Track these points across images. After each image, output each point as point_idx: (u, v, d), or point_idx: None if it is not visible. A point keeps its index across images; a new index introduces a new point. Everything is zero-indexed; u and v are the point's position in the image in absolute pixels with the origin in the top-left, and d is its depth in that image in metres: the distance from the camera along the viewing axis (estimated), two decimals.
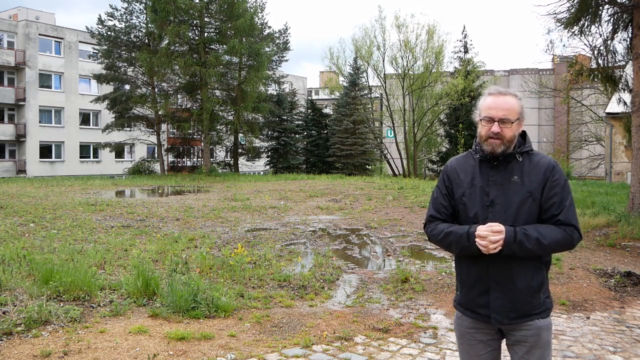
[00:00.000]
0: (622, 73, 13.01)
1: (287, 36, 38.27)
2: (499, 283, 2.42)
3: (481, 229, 2.35)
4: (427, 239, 2.64)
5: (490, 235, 2.32)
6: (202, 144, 35.02)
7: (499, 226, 2.33)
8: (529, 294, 2.41)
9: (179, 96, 36.00)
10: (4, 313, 4.91)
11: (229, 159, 41.37)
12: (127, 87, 34.34)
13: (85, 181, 26.17)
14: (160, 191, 21.72)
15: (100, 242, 8.99)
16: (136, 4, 33.24)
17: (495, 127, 2.41)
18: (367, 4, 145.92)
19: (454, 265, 7.62)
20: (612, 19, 11.67)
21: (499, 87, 2.52)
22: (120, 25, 33.19)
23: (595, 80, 13.67)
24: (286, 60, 39.82)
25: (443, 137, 41.29)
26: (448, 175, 2.58)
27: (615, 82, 12.73)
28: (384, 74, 40.24)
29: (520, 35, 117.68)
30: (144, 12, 32.78)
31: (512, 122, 2.42)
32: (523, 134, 2.53)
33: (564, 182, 2.44)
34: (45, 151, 39.45)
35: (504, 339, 2.57)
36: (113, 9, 33.03)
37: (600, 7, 11.29)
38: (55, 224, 10.93)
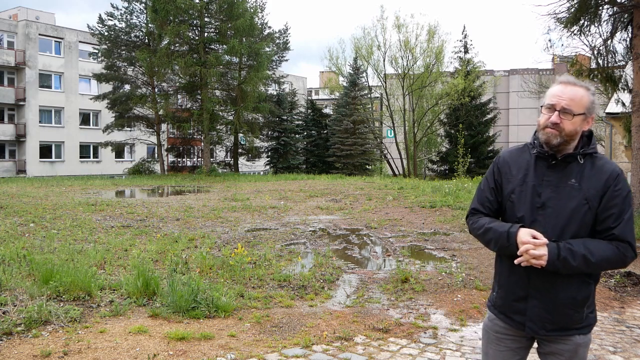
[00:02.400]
0: (621, 73, 13.02)
1: (287, 36, 38.31)
2: (540, 292, 2.24)
3: (522, 235, 2.16)
4: (470, 232, 2.50)
5: (531, 248, 2.13)
6: (202, 144, 35.03)
7: (541, 238, 2.14)
8: (570, 308, 2.23)
9: (179, 96, 36.05)
10: (4, 313, 4.91)
11: (229, 159, 41.40)
12: (127, 87, 34.36)
13: (85, 181, 26.18)
14: (160, 191, 21.73)
15: (100, 242, 8.99)
16: (136, 3, 33.26)
17: (555, 117, 2.19)
18: (365, 5, 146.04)
19: (454, 265, 7.65)
20: (611, 19, 11.68)
21: (571, 77, 2.29)
22: (120, 25, 33.22)
23: (595, 80, 13.67)
24: (286, 60, 39.94)
25: (443, 137, 41.28)
26: (499, 169, 2.37)
27: (615, 82, 12.74)
28: (384, 73, 40.24)
29: (520, 35, 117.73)
30: (144, 11, 32.80)
31: (575, 115, 2.18)
32: (589, 134, 2.29)
33: (627, 193, 2.20)
34: (45, 151, 39.46)
35: (534, 344, 2.44)
36: (114, 8, 33.07)
37: (600, 7, 11.30)
38: (55, 224, 10.93)
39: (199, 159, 42.79)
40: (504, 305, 2.36)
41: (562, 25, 11.43)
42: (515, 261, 2.18)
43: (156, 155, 37.12)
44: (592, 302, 2.30)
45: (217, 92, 33.79)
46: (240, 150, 38.24)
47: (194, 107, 33.81)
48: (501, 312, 2.38)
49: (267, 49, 33.40)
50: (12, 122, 38.62)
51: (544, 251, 2.12)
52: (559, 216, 2.20)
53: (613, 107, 20.03)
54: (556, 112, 2.20)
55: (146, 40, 33.21)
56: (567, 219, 2.19)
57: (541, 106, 2.30)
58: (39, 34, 39.04)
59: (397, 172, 40.13)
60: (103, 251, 7.95)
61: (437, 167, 39.89)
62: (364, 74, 40.43)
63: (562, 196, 2.21)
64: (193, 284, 5.45)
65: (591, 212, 2.19)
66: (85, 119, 42.04)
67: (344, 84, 40.65)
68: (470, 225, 2.43)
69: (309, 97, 55.34)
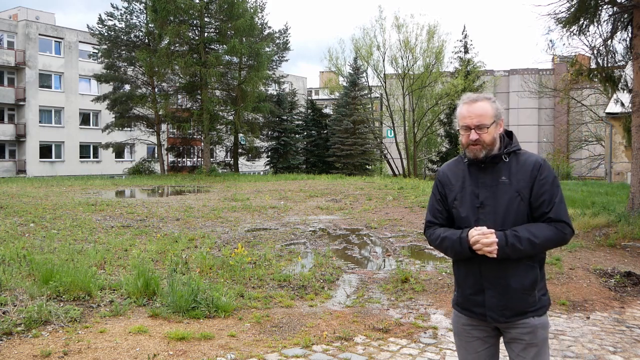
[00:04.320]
0: (621, 73, 13.01)
1: (287, 36, 38.29)
2: (492, 283, 2.46)
3: (472, 234, 2.40)
4: (429, 244, 2.79)
5: (482, 238, 2.36)
6: (202, 144, 35.03)
7: (488, 230, 2.38)
8: (522, 292, 2.44)
9: (179, 96, 36.01)
10: (4, 313, 4.91)
11: (229, 159, 41.38)
12: (127, 87, 34.35)
13: (85, 181, 26.18)
14: (160, 191, 21.72)
15: (100, 242, 8.99)
16: (136, 3, 33.24)
17: (473, 135, 2.47)
18: (365, 5, 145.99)
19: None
20: (611, 19, 11.67)
21: (472, 94, 2.57)
22: (120, 25, 33.21)
23: (595, 80, 13.67)
24: (286, 60, 39.88)
25: (443, 137, 41.31)
26: (440, 181, 2.65)
27: (614, 82, 12.72)
28: (384, 74, 40.24)
29: (520, 35, 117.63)
30: (144, 11, 32.79)
31: (488, 127, 2.47)
32: (509, 134, 2.57)
33: (553, 178, 2.46)
34: (45, 151, 39.44)
35: (502, 336, 2.60)
36: (114, 8, 33.06)
37: (600, 7, 11.29)
38: (55, 224, 10.93)
39: (199, 159, 42.76)
40: (465, 302, 2.58)
41: (562, 25, 11.41)
42: (474, 247, 2.39)
43: (156, 155, 37.11)
44: (542, 286, 2.52)
45: (217, 92, 33.77)
46: (240, 150, 38.22)
47: (194, 107, 33.79)
48: (463, 308, 2.59)
49: (267, 49, 33.38)
50: (12, 122, 38.60)
51: (493, 238, 2.35)
52: (497, 211, 2.45)
53: (613, 107, 20.04)
54: (472, 130, 2.47)
55: (146, 40, 33.19)
56: (504, 212, 2.44)
57: (458, 128, 2.56)
58: (39, 34, 39.03)
59: (397, 172, 40.13)
60: (103, 251, 7.95)
61: (437, 167, 39.88)
62: (364, 74, 40.43)
63: (497, 194, 2.47)
64: (193, 284, 5.46)
65: (524, 203, 2.44)
66: (85, 119, 42.03)
67: (344, 84, 40.63)
68: (428, 237, 2.67)
69: (309, 97, 55.31)
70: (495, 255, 2.36)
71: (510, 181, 2.45)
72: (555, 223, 2.41)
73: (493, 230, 2.37)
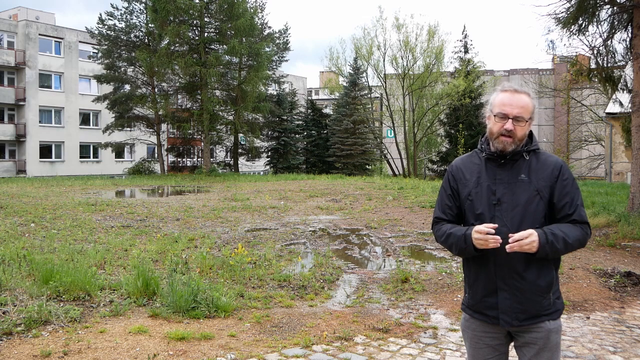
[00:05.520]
0: (621, 73, 13.01)
1: (287, 36, 38.31)
2: (507, 283, 2.37)
3: (479, 227, 2.31)
4: (435, 241, 2.66)
5: (489, 237, 2.28)
6: (202, 144, 35.03)
7: (528, 232, 2.27)
8: (537, 294, 2.37)
9: (179, 96, 36.02)
10: (4, 313, 4.91)
11: (229, 159, 41.39)
12: (127, 87, 34.34)
13: (85, 181, 26.18)
14: (160, 191, 21.72)
15: (100, 242, 8.99)
16: (136, 3, 33.25)
17: (509, 125, 2.37)
18: (365, 5, 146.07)
19: (454, 265, 7.65)
20: (610, 18, 11.67)
21: (513, 84, 2.49)
22: (120, 25, 33.22)
23: (595, 80, 13.68)
24: (286, 61, 39.90)
25: (443, 137, 41.27)
26: (453, 175, 2.54)
27: (614, 82, 12.73)
28: (384, 74, 40.25)
29: (520, 35, 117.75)
30: (144, 11, 32.80)
31: (526, 121, 2.40)
32: (530, 134, 2.50)
33: (573, 180, 2.42)
34: (45, 151, 39.43)
35: (512, 342, 2.53)
36: (113, 8, 33.06)
37: (599, 7, 11.29)
38: (55, 224, 10.93)
39: (199, 159, 42.77)
40: (477, 304, 2.48)
41: (562, 26, 11.41)
42: (507, 247, 2.27)
43: (156, 155, 37.11)
44: (557, 289, 2.47)
45: (217, 92, 33.77)
46: (240, 150, 38.24)
47: (194, 107, 33.80)
48: (475, 311, 2.50)
49: (267, 49, 33.39)
50: (12, 122, 38.59)
51: (534, 237, 2.25)
52: (514, 209, 2.37)
53: (613, 107, 20.03)
54: (510, 120, 2.38)
55: (146, 40, 33.19)
56: (522, 210, 2.37)
57: (492, 116, 2.44)
58: (39, 34, 39.02)
59: (397, 172, 40.12)
60: (103, 251, 7.95)
61: (437, 167, 39.88)
62: (364, 74, 40.44)
63: (515, 191, 2.39)
64: (193, 284, 5.46)
65: (543, 202, 2.38)
66: (85, 119, 42.02)
67: (344, 84, 40.63)
68: (435, 233, 2.58)
69: (309, 97, 55.32)
70: (534, 251, 2.25)
71: (529, 179, 2.38)
72: (580, 225, 2.37)
73: (534, 232, 2.26)
